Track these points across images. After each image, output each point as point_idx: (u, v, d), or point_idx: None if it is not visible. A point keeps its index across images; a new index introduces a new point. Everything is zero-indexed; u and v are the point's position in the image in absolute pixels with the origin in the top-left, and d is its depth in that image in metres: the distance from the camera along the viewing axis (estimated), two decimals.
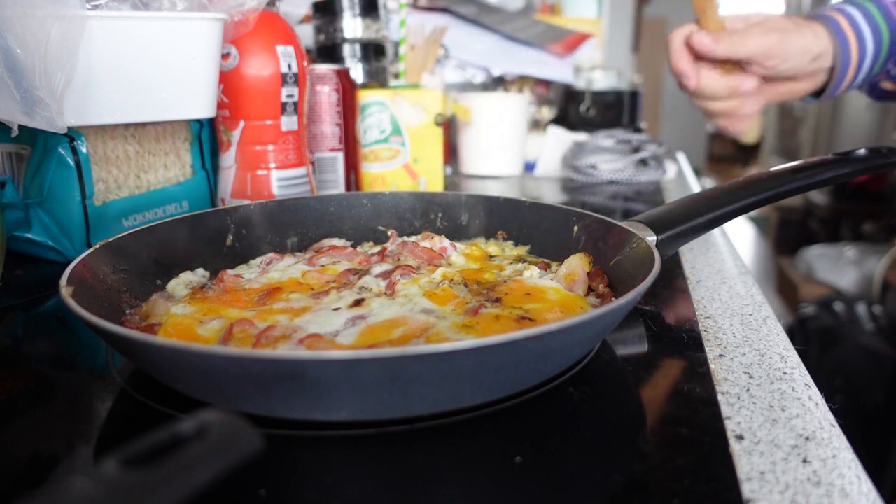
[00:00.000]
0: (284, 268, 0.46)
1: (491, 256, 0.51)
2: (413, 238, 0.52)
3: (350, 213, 0.57)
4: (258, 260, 0.49)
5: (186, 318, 0.38)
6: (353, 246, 0.54)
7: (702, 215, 0.46)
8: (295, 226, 0.54)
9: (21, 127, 0.46)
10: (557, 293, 0.41)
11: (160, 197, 0.61)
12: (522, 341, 0.27)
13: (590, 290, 0.43)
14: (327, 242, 0.54)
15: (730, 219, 0.47)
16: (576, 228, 0.49)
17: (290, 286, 0.43)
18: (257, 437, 0.18)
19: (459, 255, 0.50)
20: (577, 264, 0.44)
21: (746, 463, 0.27)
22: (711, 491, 0.26)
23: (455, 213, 0.57)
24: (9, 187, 0.55)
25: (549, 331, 0.27)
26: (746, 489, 0.26)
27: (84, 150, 0.54)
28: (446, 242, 0.50)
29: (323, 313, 0.38)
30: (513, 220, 0.54)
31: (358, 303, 0.39)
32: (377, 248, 0.51)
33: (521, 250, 0.53)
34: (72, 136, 0.53)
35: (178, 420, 0.17)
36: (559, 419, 0.31)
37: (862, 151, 0.50)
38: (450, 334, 0.35)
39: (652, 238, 0.44)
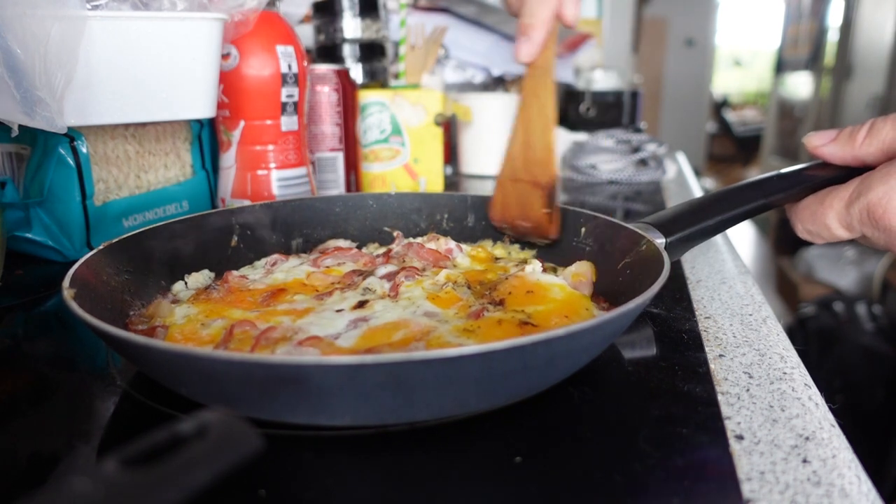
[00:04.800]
0: (289, 269, 0.46)
1: (497, 258, 0.51)
2: (419, 239, 0.52)
3: (355, 213, 0.56)
4: (263, 261, 0.49)
5: (190, 321, 0.38)
6: (359, 247, 0.53)
7: (711, 217, 0.45)
8: (300, 227, 0.54)
9: (21, 127, 0.46)
10: (562, 290, 0.40)
11: (160, 197, 0.61)
12: (531, 346, 0.27)
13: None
14: (332, 243, 0.53)
15: (740, 221, 0.46)
16: (583, 230, 0.49)
17: (295, 287, 0.43)
18: (257, 437, 0.18)
19: (465, 256, 0.49)
20: (586, 268, 0.44)
21: (746, 463, 0.27)
22: (711, 491, 0.26)
23: (461, 214, 0.56)
24: (9, 187, 0.55)
25: (557, 336, 0.27)
26: (746, 489, 0.26)
27: (84, 150, 0.54)
28: (452, 244, 0.50)
29: (325, 315, 0.38)
30: None
31: (361, 304, 0.39)
32: (382, 250, 0.51)
33: (528, 254, 0.52)
34: (72, 136, 0.53)
35: (178, 420, 0.17)
36: (559, 419, 0.31)
37: None
38: (450, 338, 0.34)
39: (661, 240, 0.43)
